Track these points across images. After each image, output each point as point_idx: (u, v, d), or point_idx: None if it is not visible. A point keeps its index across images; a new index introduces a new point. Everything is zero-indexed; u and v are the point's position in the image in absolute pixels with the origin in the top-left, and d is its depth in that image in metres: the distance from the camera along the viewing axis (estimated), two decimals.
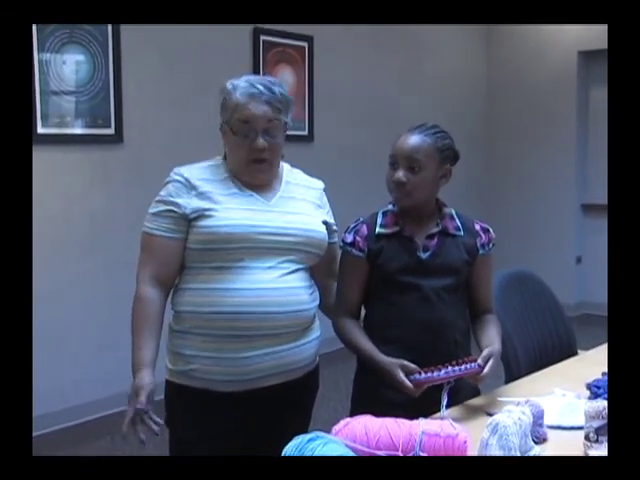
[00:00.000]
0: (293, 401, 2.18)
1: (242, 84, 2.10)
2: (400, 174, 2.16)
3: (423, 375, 2.03)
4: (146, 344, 2.05)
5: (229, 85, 2.12)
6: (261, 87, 2.08)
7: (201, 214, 2.05)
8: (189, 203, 2.06)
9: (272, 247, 2.07)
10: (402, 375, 2.05)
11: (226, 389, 2.07)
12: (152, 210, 2.13)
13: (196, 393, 2.09)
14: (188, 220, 2.06)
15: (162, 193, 2.12)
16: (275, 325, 2.06)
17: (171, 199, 2.09)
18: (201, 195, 2.07)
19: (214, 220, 2.03)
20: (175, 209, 2.07)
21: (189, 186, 2.08)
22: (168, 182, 2.13)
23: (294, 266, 2.11)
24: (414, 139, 2.18)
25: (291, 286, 2.09)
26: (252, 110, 2.07)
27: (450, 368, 2.04)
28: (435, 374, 2.03)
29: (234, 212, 2.06)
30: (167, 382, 2.16)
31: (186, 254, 2.10)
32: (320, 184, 2.32)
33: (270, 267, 2.06)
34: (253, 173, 2.12)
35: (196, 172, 2.13)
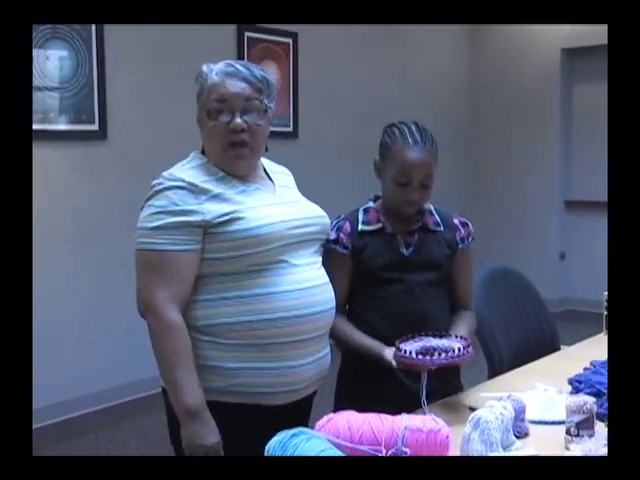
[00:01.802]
0: (307, 411, 2.13)
1: (219, 65, 1.95)
2: (416, 194, 2.14)
3: (417, 357, 1.93)
4: (197, 381, 1.83)
5: (205, 68, 1.97)
6: (239, 66, 1.95)
7: (229, 218, 1.84)
8: (204, 208, 1.84)
9: (301, 240, 1.94)
10: (387, 351, 2.03)
11: (276, 402, 1.92)
12: (152, 224, 1.85)
13: (232, 410, 1.89)
14: (205, 227, 1.84)
15: (159, 203, 1.86)
16: (321, 325, 1.96)
17: (178, 208, 1.84)
18: (216, 198, 1.87)
19: (247, 222, 1.84)
20: (188, 218, 1.83)
21: (197, 190, 1.86)
22: (163, 189, 1.87)
23: (319, 258, 2.03)
24: (424, 156, 2.13)
25: (325, 281, 2.01)
26: (228, 88, 1.91)
27: (443, 348, 1.97)
28: (427, 358, 1.93)
29: (261, 210, 1.89)
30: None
31: (206, 264, 1.87)
32: (287, 170, 2.20)
33: (307, 264, 1.95)
34: (233, 161, 1.93)
35: (193, 174, 1.91)
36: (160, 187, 1.89)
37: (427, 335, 2.06)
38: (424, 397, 1.95)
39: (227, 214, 1.85)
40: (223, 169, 1.96)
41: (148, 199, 1.91)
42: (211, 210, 1.85)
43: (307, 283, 1.92)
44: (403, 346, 1.98)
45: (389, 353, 2.03)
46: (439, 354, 1.93)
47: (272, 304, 1.87)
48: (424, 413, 1.89)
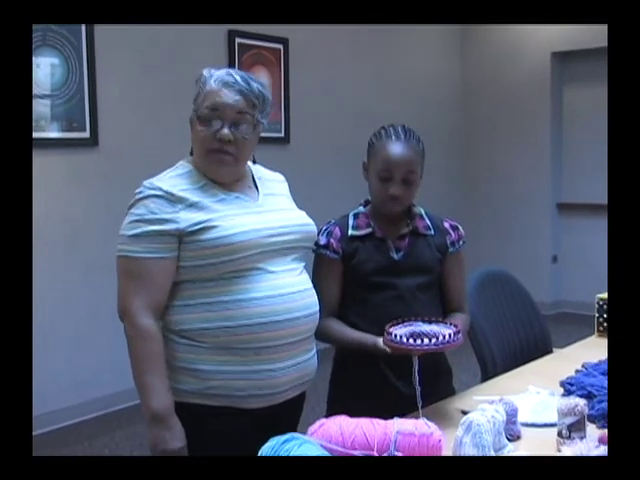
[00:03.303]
0: (296, 415, 2.13)
1: (219, 72, 1.97)
2: (397, 190, 2.15)
3: (409, 341, 1.91)
4: (166, 387, 1.87)
5: (206, 72, 1.99)
6: (238, 77, 1.96)
7: (202, 227, 1.87)
8: (179, 217, 1.88)
9: (279, 248, 1.96)
10: (381, 339, 2.01)
11: (254, 405, 1.93)
12: (130, 232, 1.89)
13: (211, 412, 1.92)
14: (179, 236, 1.88)
15: (138, 211, 1.90)
16: (300, 331, 1.97)
17: (155, 216, 1.88)
18: (192, 207, 1.90)
19: (219, 231, 1.87)
20: (163, 227, 1.87)
21: (173, 199, 1.90)
22: (142, 198, 1.92)
23: (300, 265, 2.04)
24: (406, 152, 2.15)
25: (306, 287, 2.02)
26: (223, 98, 1.93)
27: (432, 333, 1.94)
28: (417, 343, 1.90)
29: (235, 219, 1.91)
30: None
31: (182, 271, 1.91)
32: (282, 177, 2.23)
33: (285, 270, 1.96)
34: (214, 165, 1.96)
35: (173, 182, 1.94)
36: (140, 196, 1.93)
37: (417, 320, 2.05)
38: (417, 382, 1.92)
39: (200, 223, 1.88)
40: (207, 174, 1.98)
41: (130, 207, 1.95)
42: (186, 219, 1.89)
43: (283, 290, 1.94)
44: (393, 330, 1.97)
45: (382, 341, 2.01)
46: (429, 340, 1.91)
47: (246, 310, 1.89)
48: (418, 401, 1.91)
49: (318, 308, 2.05)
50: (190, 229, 1.88)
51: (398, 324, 2.03)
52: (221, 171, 1.98)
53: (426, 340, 1.90)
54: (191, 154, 2.05)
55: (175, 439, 1.85)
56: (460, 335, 1.95)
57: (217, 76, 1.97)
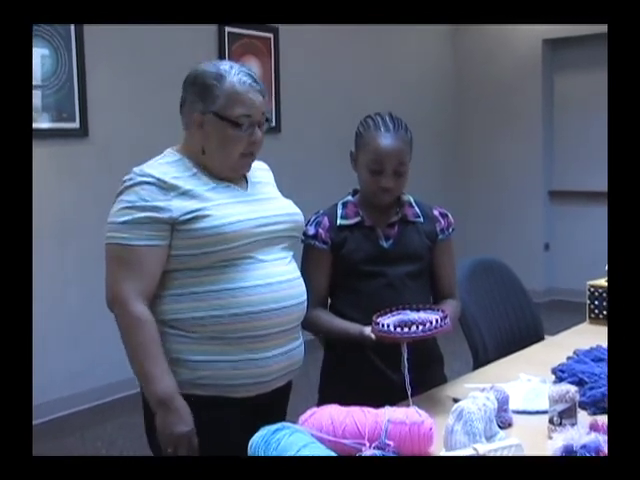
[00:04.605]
0: (284, 404, 2.14)
1: (234, 70, 1.94)
2: (389, 182, 2.15)
3: (397, 330, 1.91)
4: (166, 370, 1.86)
5: (221, 70, 1.94)
6: (253, 75, 1.97)
7: (194, 215, 1.87)
8: (172, 205, 1.86)
9: (270, 238, 1.96)
10: (367, 328, 2.03)
11: (244, 394, 1.94)
12: (121, 219, 1.87)
13: (202, 402, 1.91)
14: (172, 224, 1.87)
15: (129, 198, 1.88)
16: (289, 319, 1.97)
17: (146, 203, 1.86)
18: (184, 195, 1.89)
19: (212, 220, 1.87)
20: (155, 214, 1.86)
21: (165, 187, 1.88)
22: (133, 185, 1.89)
23: (289, 254, 2.04)
24: (396, 143, 2.15)
25: (295, 276, 2.02)
26: (254, 100, 1.94)
27: (420, 321, 1.94)
28: (405, 331, 1.91)
29: (228, 208, 1.91)
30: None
31: (173, 260, 1.89)
32: (266, 165, 2.21)
33: (275, 259, 1.96)
34: (241, 168, 2.00)
35: (164, 170, 1.92)
36: (130, 183, 1.91)
37: (404, 308, 2.05)
38: (406, 371, 1.93)
39: (193, 211, 1.87)
40: (221, 174, 1.97)
41: (119, 194, 1.93)
42: (178, 207, 1.87)
43: (273, 279, 1.94)
44: (381, 320, 1.97)
45: (368, 329, 2.03)
46: (417, 327, 1.91)
47: (237, 299, 1.89)
48: (407, 389, 1.91)
49: (306, 297, 2.05)
50: (182, 217, 1.87)
51: (386, 313, 2.03)
52: (242, 172, 2.03)
53: (413, 327, 1.91)
54: (202, 152, 1.98)
55: (182, 423, 1.85)
56: (448, 320, 1.95)
57: (236, 74, 1.94)
